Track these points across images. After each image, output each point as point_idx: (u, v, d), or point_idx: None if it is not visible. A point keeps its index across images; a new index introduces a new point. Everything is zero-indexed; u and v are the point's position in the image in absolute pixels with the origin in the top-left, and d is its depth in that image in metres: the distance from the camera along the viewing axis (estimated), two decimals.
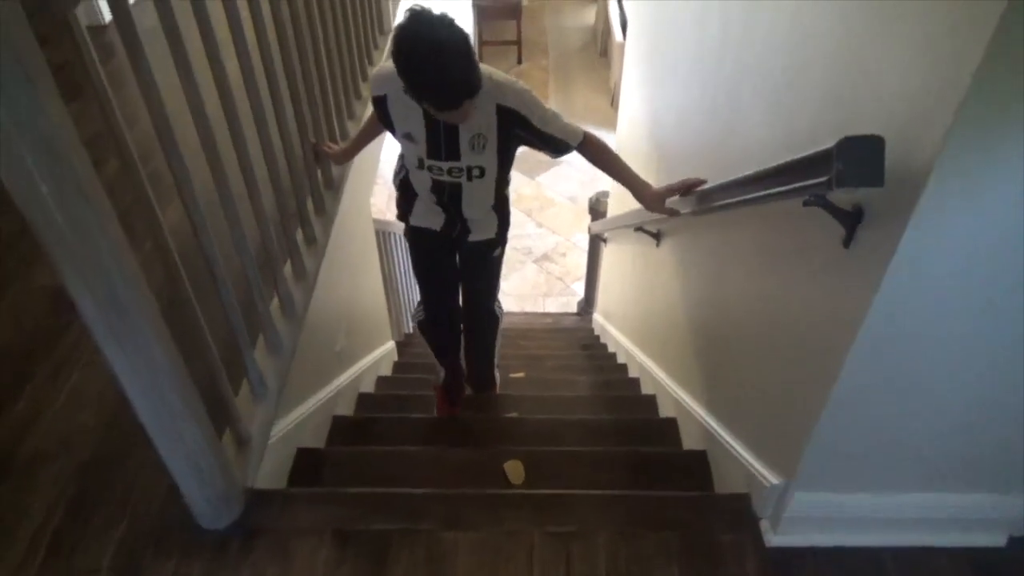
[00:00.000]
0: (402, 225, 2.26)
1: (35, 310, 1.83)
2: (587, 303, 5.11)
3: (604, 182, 5.18)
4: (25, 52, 0.80)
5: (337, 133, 2.30)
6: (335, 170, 2.27)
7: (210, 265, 1.36)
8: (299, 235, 1.94)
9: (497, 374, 2.96)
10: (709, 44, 2.09)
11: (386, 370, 3.63)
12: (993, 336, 1.13)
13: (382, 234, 3.78)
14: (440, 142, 1.82)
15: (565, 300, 5.52)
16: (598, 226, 4.36)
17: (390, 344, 3.83)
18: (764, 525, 1.53)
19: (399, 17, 1.52)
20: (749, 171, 1.40)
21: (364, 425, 2.59)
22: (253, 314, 1.59)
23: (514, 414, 2.77)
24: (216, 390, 1.41)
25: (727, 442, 1.83)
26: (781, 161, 1.22)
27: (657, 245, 2.81)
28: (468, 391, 2.88)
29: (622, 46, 5.37)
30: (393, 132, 1.90)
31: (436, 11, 1.50)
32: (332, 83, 2.24)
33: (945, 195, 0.95)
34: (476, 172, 1.87)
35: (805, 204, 1.13)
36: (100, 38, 2.79)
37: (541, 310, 5.44)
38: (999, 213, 0.97)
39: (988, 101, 0.86)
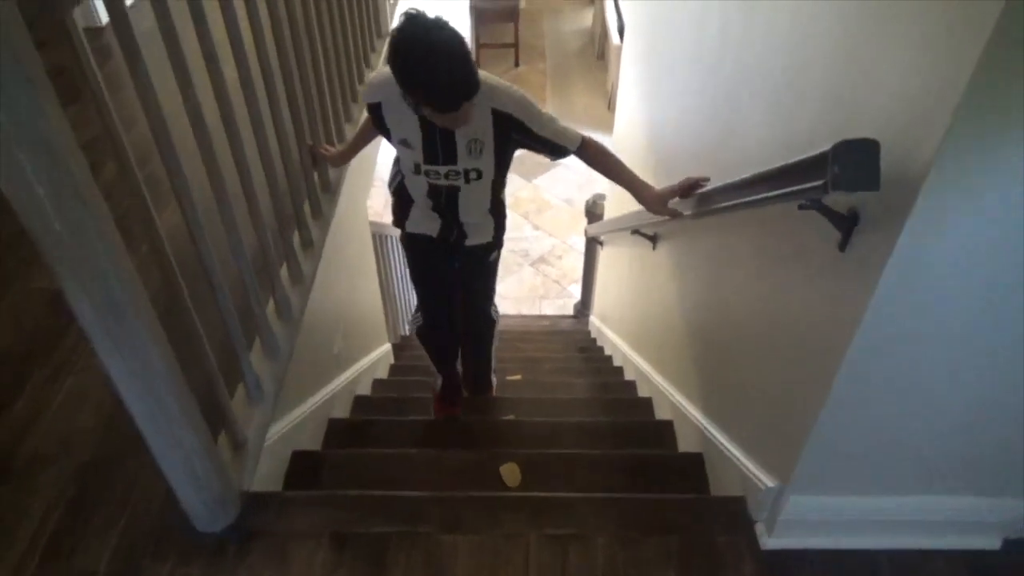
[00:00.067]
0: (398, 229, 2.26)
1: (34, 312, 1.83)
2: (584, 306, 5.11)
3: (601, 185, 5.19)
4: (24, 55, 0.80)
5: (334, 136, 2.30)
6: (332, 173, 2.27)
7: (207, 268, 1.36)
8: (296, 238, 1.94)
9: (494, 377, 2.96)
10: (708, 46, 2.09)
11: (382, 373, 3.63)
12: (990, 339, 1.13)
13: (379, 237, 3.78)
14: (437, 147, 1.82)
15: (562, 303, 5.52)
16: (595, 229, 4.36)
17: (386, 347, 3.82)
18: (760, 528, 1.54)
19: (395, 21, 1.51)
20: (747, 174, 1.40)
21: (360, 428, 2.59)
22: (249, 317, 1.59)
23: (511, 416, 2.77)
24: (212, 393, 1.40)
25: (723, 445, 1.83)
26: (778, 164, 1.22)
27: (653, 248, 2.81)
28: (465, 394, 2.88)
29: (619, 49, 5.38)
30: (389, 139, 1.90)
31: (431, 14, 1.51)
32: (329, 86, 2.24)
33: (942, 198, 0.95)
34: (474, 175, 1.87)
35: (801, 208, 1.13)
36: (97, 40, 2.79)
37: (538, 313, 5.44)
38: (996, 216, 0.98)
39: (986, 104, 0.86)
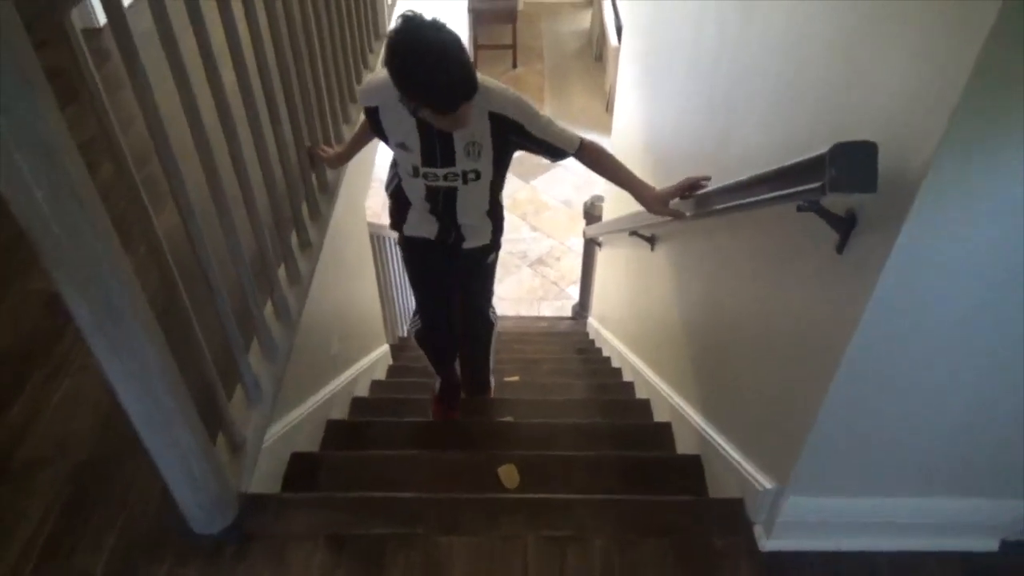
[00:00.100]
0: (396, 232, 2.25)
1: (32, 313, 1.83)
2: (582, 307, 5.11)
3: (599, 186, 5.19)
4: (22, 57, 0.80)
5: (332, 137, 2.30)
6: (330, 174, 2.27)
7: (205, 269, 1.36)
8: (294, 239, 1.94)
9: (492, 378, 2.96)
10: (705, 48, 2.10)
11: (380, 374, 3.63)
12: (988, 341, 1.14)
13: (377, 237, 3.78)
14: (435, 150, 1.81)
15: (560, 304, 5.52)
16: (593, 230, 4.36)
17: (384, 348, 3.82)
18: (758, 530, 1.54)
19: (393, 22, 1.52)
20: (745, 175, 1.41)
21: (359, 429, 2.59)
22: (247, 318, 1.58)
23: (509, 418, 2.77)
24: (210, 395, 1.40)
25: (721, 446, 1.83)
26: (776, 166, 1.22)
27: (652, 249, 2.82)
28: (463, 395, 2.88)
29: (617, 50, 5.38)
30: (387, 142, 1.89)
31: (428, 16, 1.51)
32: (327, 87, 2.24)
33: (940, 200, 0.95)
34: (472, 176, 1.87)
35: (799, 209, 1.13)
36: (95, 41, 2.79)
37: (536, 314, 5.44)
38: (994, 217, 0.98)
39: (983, 106, 0.86)
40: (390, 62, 1.52)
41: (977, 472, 1.37)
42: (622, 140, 3.85)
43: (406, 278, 2.50)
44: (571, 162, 1.92)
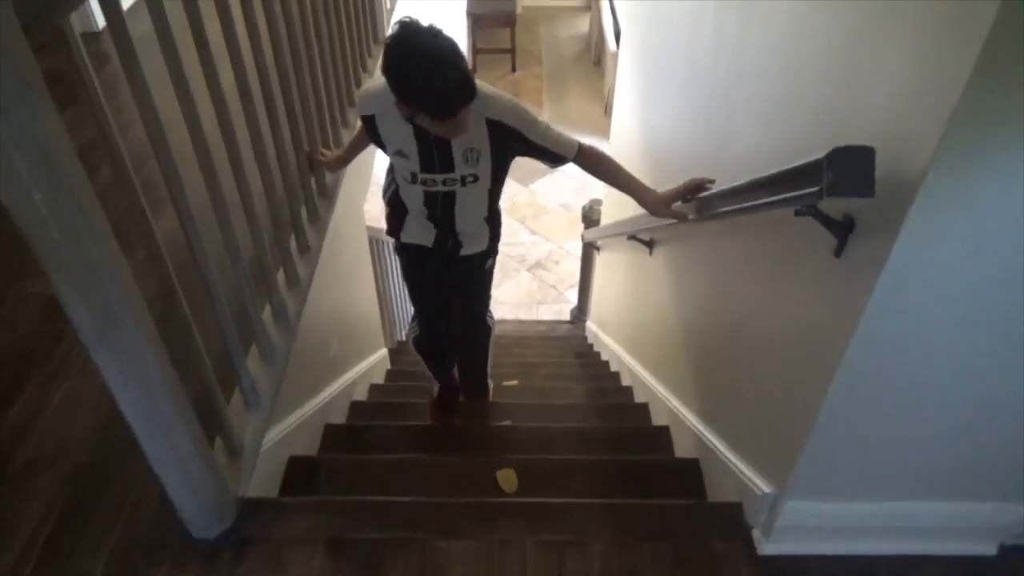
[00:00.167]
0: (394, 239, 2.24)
1: (30, 317, 1.83)
2: (580, 311, 5.12)
3: (597, 190, 5.20)
4: (22, 61, 0.80)
5: (331, 141, 2.30)
6: (329, 178, 2.27)
7: (203, 273, 1.36)
8: (292, 243, 1.94)
9: (490, 382, 2.96)
10: (703, 51, 2.10)
11: (379, 378, 3.63)
12: (986, 345, 1.14)
13: (376, 241, 3.78)
14: (433, 156, 1.81)
15: (559, 308, 5.52)
16: (591, 234, 4.37)
17: (383, 351, 3.82)
18: (757, 534, 1.54)
19: (390, 29, 1.52)
20: (744, 178, 1.41)
21: (357, 433, 2.58)
22: (246, 322, 1.58)
23: (508, 422, 2.77)
24: (208, 399, 1.40)
25: (719, 450, 1.83)
26: (774, 170, 1.23)
27: (650, 253, 2.82)
28: (462, 399, 2.87)
29: (616, 55, 5.39)
30: (384, 149, 1.89)
31: (425, 22, 1.51)
32: (326, 91, 2.24)
33: (937, 204, 0.95)
34: (471, 179, 1.87)
35: (797, 214, 1.13)
36: (93, 45, 2.79)
37: (535, 318, 5.44)
38: (993, 221, 0.98)
39: (981, 110, 0.87)
40: (387, 68, 1.52)
41: (976, 476, 1.37)
42: (621, 144, 3.85)
43: (404, 284, 2.49)
44: (569, 166, 1.92)
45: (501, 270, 5.56)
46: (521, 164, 1.95)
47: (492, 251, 2.23)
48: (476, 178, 1.87)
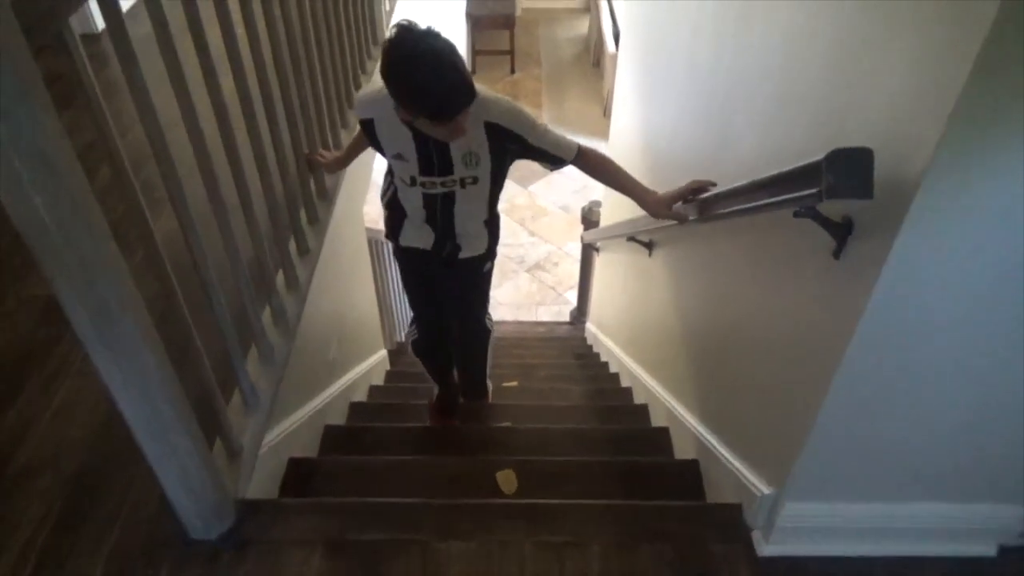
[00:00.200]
0: (391, 242, 2.24)
1: (30, 317, 1.83)
2: (580, 312, 5.12)
3: (597, 191, 5.20)
4: (21, 63, 0.80)
5: (330, 142, 2.30)
6: (328, 179, 2.27)
7: (203, 275, 1.36)
8: (292, 245, 1.94)
9: (490, 383, 2.96)
10: (703, 54, 2.10)
11: (378, 379, 3.63)
12: (986, 346, 1.14)
13: (375, 243, 3.78)
14: (432, 159, 1.81)
15: (558, 309, 5.52)
16: (591, 235, 4.37)
17: (382, 353, 3.82)
18: (756, 535, 1.54)
19: (389, 31, 1.52)
20: (743, 180, 1.41)
21: (356, 434, 2.58)
22: (245, 324, 1.58)
23: (507, 423, 2.77)
24: (208, 400, 1.40)
25: (719, 451, 1.83)
26: (772, 172, 1.23)
27: (649, 255, 2.82)
28: (461, 400, 2.87)
29: (615, 57, 5.40)
30: (383, 153, 1.89)
31: (423, 25, 1.51)
32: (325, 92, 2.24)
33: (936, 206, 0.95)
34: (470, 180, 1.87)
35: (796, 215, 1.14)
36: (93, 47, 2.79)
37: (534, 319, 5.44)
38: (991, 223, 0.98)
39: (979, 112, 0.87)
40: (386, 71, 1.52)
41: (975, 477, 1.38)
42: (620, 145, 3.85)
43: (402, 287, 2.49)
44: (569, 167, 1.92)
45: (500, 271, 5.55)
46: (520, 166, 1.94)
47: (491, 254, 2.22)
48: (476, 180, 1.87)
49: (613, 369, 3.69)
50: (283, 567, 1.46)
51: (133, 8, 1.59)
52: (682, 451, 2.26)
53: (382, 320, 4.00)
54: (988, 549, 1.50)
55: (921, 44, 0.93)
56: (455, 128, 1.61)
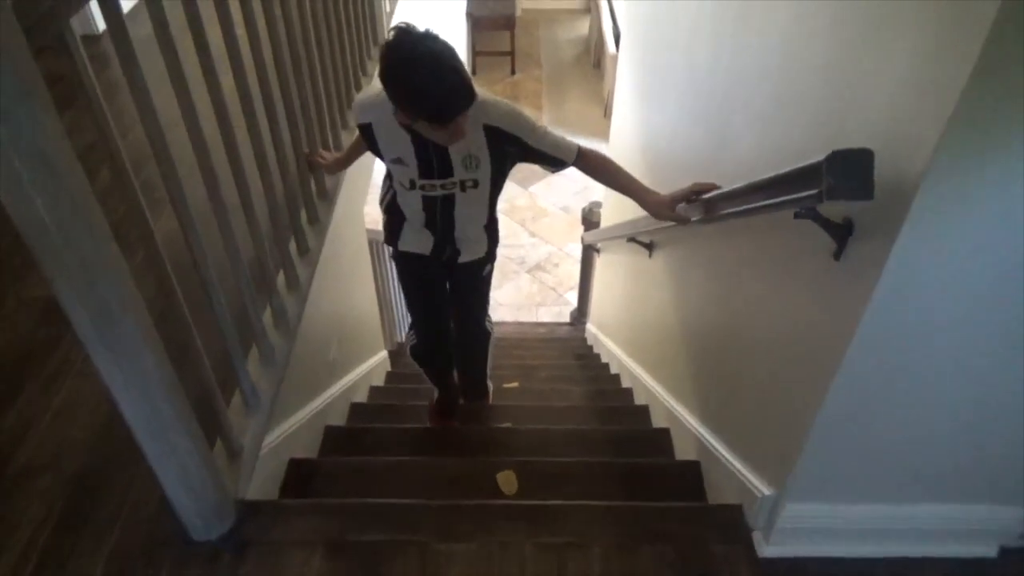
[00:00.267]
0: (390, 247, 2.23)
1: (30, 318, 1.83)
2: (580, 313, 5.12)
3: (597, 192, 5.20)
4: (22, 65, 0.80)
5: (331, 143, 2.30)
6: (329, 180, 2.27)
7: (203, 275, 1.36)
8: (292, 245, 1.94)
9: (490, 384, 2.96)
10: (703, 54, 2.10)
11: (379, 380, 3.63)
12: (986, 346, 1.14)
13: (376, 244, 3.78)
14: (432, 163, 1.80)
15: (558, 310, 5.52)
16: (591, 236, 4.37)
17: (383, 353, 3.82)
18: (757, 536, 1.54)
19: (387, 35, 1.51)
20: (742, 181, 1.41)
21: (357, 435, 2.58)
22: (246, 325, 1.58)
23: (507, 424, 2.77)
24: (208, 401, 1.40)
25: (719, 452, 1.83)
26: (772, 174, 1.23)
27: (650, 256, 2.82)
28: (461, 401, 2.87)
29: (615, 57, 5.40)
30: (381, 157, 1.88)
31: (422, 27, 1.51)
32: (326, 93, 2.25)
33: (936, 207, 0.95)
34: (470, 184, 1.87)
35: (796, 216, 1.14)
36: (94, 47, 2.79)
37: (535, 320, 5.45)
38: (991, 224, 0.98)
39: (979, 113, 0.87)
40: (385, 74, 1.51)
41: (976, 478, 1.37)
42: (620, 146, 3.85)
43: (401, 292, 2.48)
44: (569, 168, 1.91)
45: (501, 272, 5.56)
46: (521, 167, 1.94)
47: (491, 257, 2.21)
48: (476, 183, 1.87)
49: (614, 370, 3.69)
50: (283, 568, 1.46)
51: (134, 9, 1.60)
52: (683, 452, 2.26)
53: (383, 321, 4.00)
54: (989, 550, 1.50)
55: (921, 44, 0.93)
56: (455, 131, 1.61)
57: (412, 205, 1.96)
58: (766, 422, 1.54)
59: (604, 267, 4.34)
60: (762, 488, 1.51)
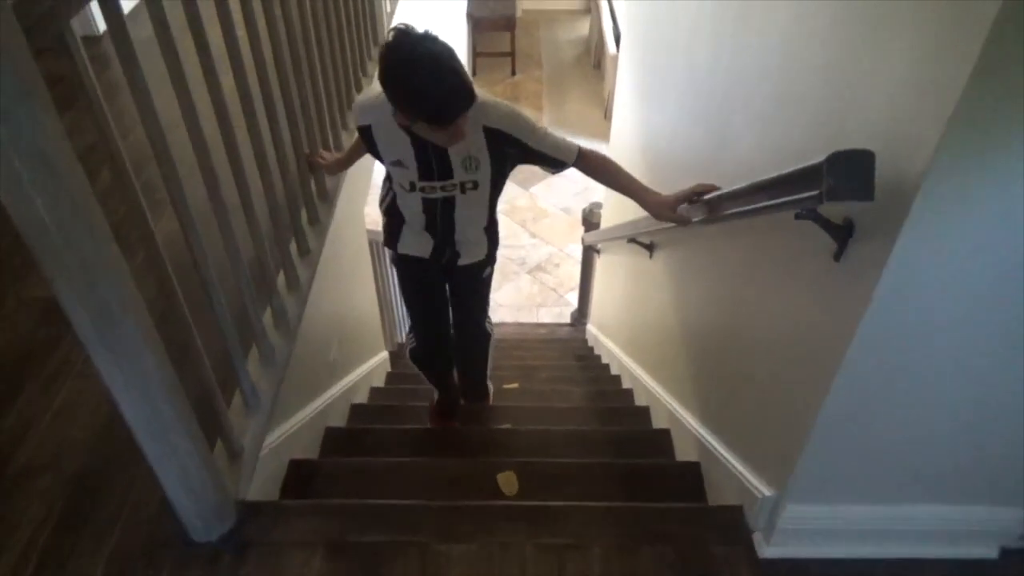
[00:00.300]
0: (390, 249, 2.22)
1: (30, 318, 1.83)
2: (581, 314, 5.12)
3: (598, 193, 5.20)
4: (22, 65, 0.80)
5: (331, 143, 2.30)
6: (329, 181, 2.27)
7: (203, 276, 1.36)
8: (293, 246, 1.94)
9: (490, 385, 2.96)
10: (703, 54, 2.10)
11: (379, 381, 3.62)
12: (986, 348, 1.14)
13: (376, 244, 3.78)
14: (432, 165, 1.80)
15: (559, 311, 5.52)
16: (591, 237, 4.37)
17: (383, 354, 3.82)
18: (757, 537, 1.53)
19: (387, 36, 1.51)
20: (742, 181, 1.41)
21: (357, 436, 2.58)
22: (246, 325, 1.58)
23: (508, 425, 2.77)
24: (209, 401, 1.40)
25: (720, 453, 1.83)
26: (772, 175, 1.23)
27: (650, 256, 2.82)
28: (461, 402, 2.87)
29: (616, 58, 5.40)
30: (381, 160, 1.88)
31: (421, 29, 1.51)
32: (326, 93, 2.25)
33: (937, 208, 0.95)
34: (470, 186, 1.87)
35: (797, 217, 1.14)
36: (94, 48, 2.79)
37: (535, 321, 5.45)
38: (992, 225, 0.98)
39: (979, 112, 0.87)
40: (383, 75, 1.51)
41: (976, 479, 1.37)
42: (621, 147, 3.85)
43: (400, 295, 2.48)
44: (570, 169, 1.91)
45: (501, 273, 5.56)
46: (521, 168, 1.94)
47: (491, 259, 2.21)
48: (476, 185, 1.87)
49: (614, 371, 3.69)
50: (284, 569, 1.46)
51: (134, 10, 1.60)
52: (683, 453, 2.26)
53: (383, 321, 4.00)
54: (989, 551, 1.50)
55: (921, 44, 0.93)
56: (454, 132, 1.61)
57: (412, 207, 1.96)
58: (766, 423, 1.54)
59: (604, 268, 4.34)
60: (762, 489, 1.51)
